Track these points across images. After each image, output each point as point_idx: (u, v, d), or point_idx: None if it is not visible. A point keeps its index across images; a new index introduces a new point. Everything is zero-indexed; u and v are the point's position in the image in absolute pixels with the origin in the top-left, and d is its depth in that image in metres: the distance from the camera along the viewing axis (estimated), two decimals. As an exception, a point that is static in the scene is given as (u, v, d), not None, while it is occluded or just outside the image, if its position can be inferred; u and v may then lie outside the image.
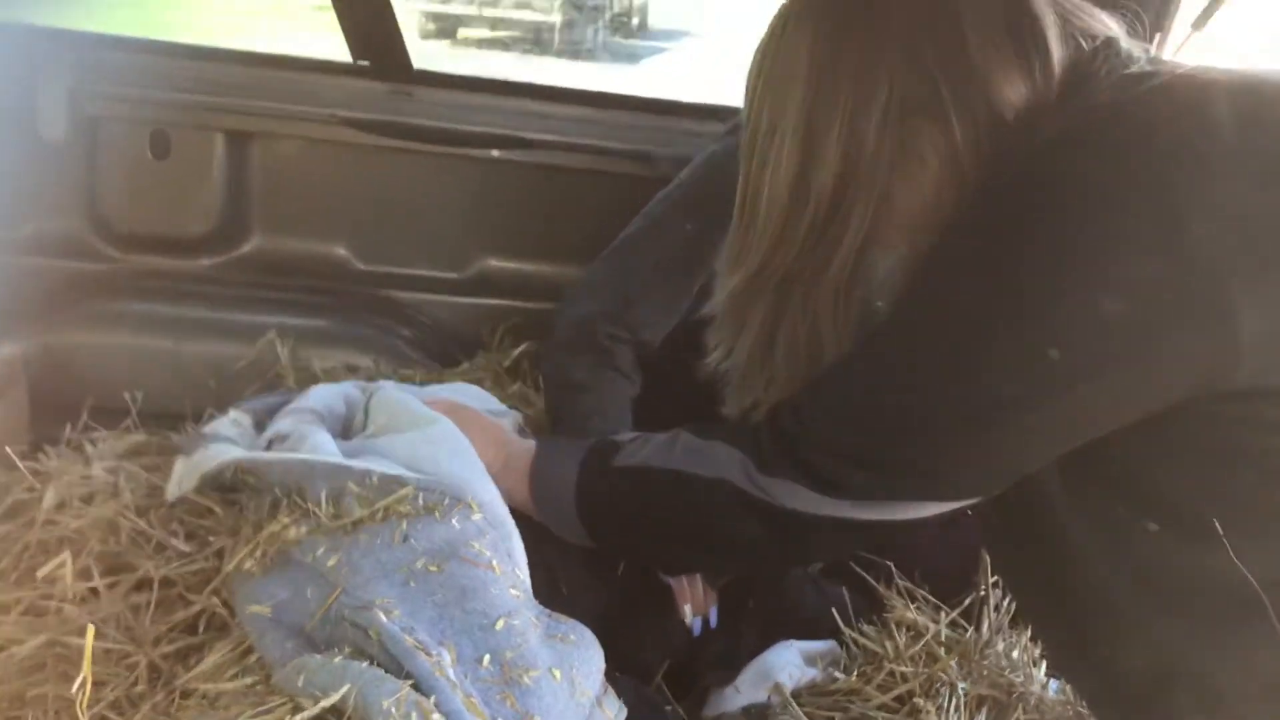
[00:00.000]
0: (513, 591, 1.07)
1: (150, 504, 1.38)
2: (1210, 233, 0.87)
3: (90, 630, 0.84)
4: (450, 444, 1.20)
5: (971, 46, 1.01)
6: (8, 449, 1.45)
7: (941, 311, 0.99)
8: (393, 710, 0.85)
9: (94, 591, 1.20)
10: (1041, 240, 0.92)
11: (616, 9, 16.75)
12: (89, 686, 0.85)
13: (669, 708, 1.39)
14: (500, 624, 1.02)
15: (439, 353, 2.17)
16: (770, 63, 1.10)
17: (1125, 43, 1.05)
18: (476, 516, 1.11)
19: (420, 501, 1.11)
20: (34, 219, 2.10)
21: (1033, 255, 0.93)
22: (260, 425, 1.39)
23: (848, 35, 1.04)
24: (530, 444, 1.32)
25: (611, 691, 1.12)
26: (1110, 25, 1.08)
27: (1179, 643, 1.02)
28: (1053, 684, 1.46)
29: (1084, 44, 1.04)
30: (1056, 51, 1.03)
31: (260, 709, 0.88)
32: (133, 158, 2.09)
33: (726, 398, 1.26)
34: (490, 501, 1.16)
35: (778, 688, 1.41)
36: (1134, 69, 1.01)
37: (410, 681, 0.91)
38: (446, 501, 1.12)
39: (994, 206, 0.98)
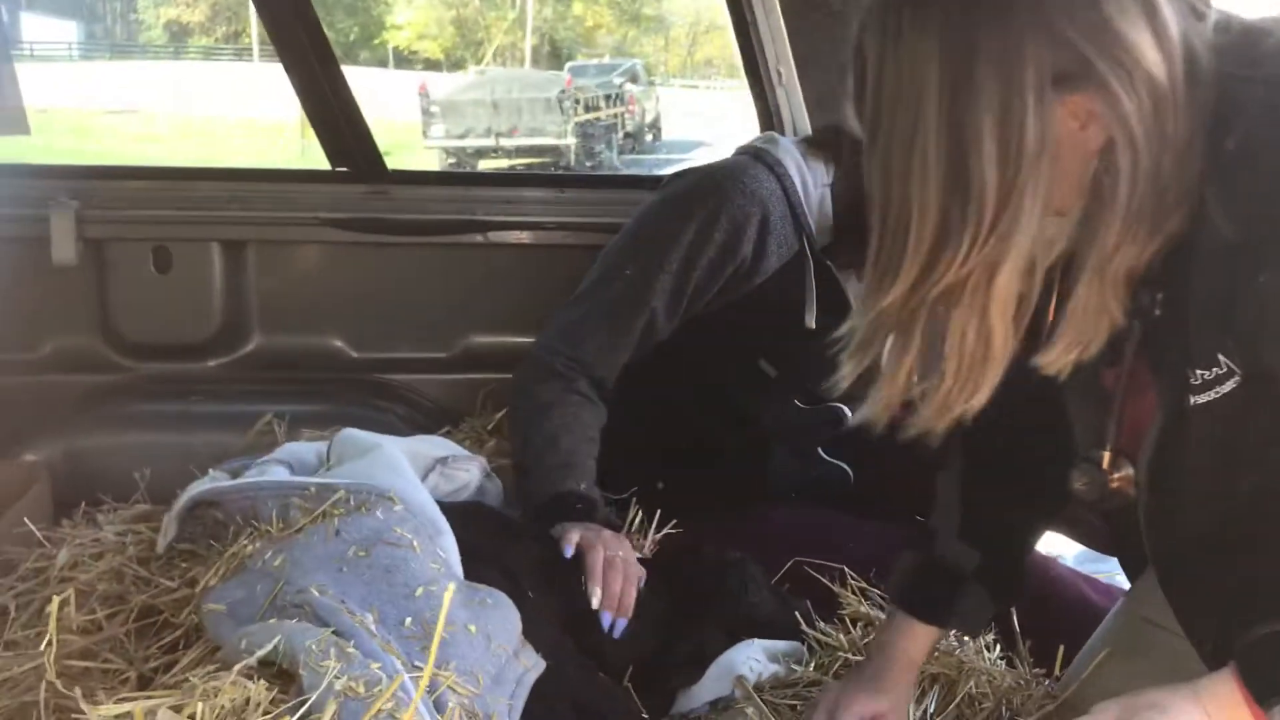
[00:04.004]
0: (433, 565, 1.21)
1: (152, 555, 1.54)
2: None
3: (55, 600, 0.97)
4: (383, 460, 1.37)
5: (1104, 6, 0.99)
6: (26, 520, 1.61)
7: None
8: (314, 648, 0.98)
9: (97, 625, 1.35)
10: None
11: (629, 126, 17.32)
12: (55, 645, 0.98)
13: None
14: (420, 591, 1.16)
15: (430, 428, 2.31)
16: (892, 71, 1.05)
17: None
18: (398, 507, 1.28)
19: (351, 502, 1.28)
20: (52, 338, 2.32)
21: None
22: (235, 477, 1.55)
23: (977, 26, 1.00)
24: None
25: (529, 646, 1.24)
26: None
27: None
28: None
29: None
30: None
31: (208, 671, 1.01)
32: (138, 273, 2.30)
33: (862, 413, 1.19)
34: (422, 503, 1.32)
35: (740, 680, 1.50)
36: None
37: (332, 629, 1.05)
38: (373, 499, 1.28)
39: None
